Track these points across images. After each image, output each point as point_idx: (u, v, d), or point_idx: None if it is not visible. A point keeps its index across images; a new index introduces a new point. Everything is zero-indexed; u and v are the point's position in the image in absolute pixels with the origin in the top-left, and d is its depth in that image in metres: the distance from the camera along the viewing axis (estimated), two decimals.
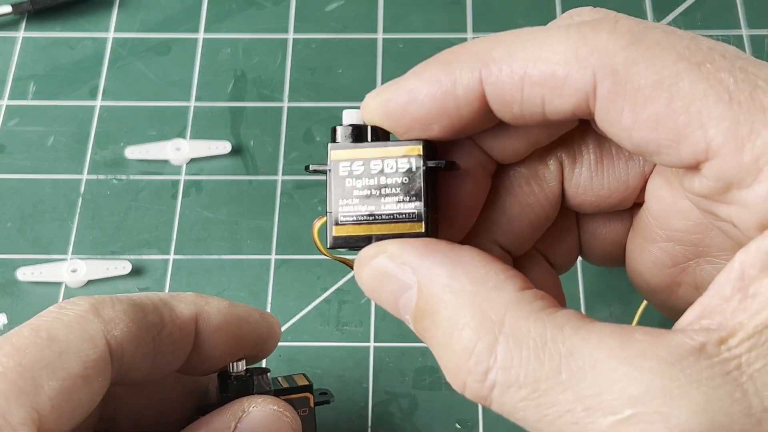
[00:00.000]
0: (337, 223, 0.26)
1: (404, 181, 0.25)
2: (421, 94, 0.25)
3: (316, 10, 0.50)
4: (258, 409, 0.29)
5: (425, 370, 0.39)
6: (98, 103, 0.47)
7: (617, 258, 0.31)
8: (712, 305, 0.22)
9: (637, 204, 0.29)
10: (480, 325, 0.22)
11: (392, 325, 0.40)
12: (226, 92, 0.47)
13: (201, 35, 0.49)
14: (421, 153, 0.25)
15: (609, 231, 0.30)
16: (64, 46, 0.49)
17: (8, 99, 0.47)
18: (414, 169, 0.25)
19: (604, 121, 0.23)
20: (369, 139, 0.26)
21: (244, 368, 0.30)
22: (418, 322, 0.24)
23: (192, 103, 0.47)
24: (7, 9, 0.49)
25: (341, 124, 0.26)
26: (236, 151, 0.45)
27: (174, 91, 0.47)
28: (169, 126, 0.46)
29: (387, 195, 0.26)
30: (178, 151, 0.45)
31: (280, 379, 0.32)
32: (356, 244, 0.26)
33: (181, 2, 0.50)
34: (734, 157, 0.21)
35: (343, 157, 0.26)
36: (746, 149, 0.21)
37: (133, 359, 0.27)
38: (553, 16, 0.48)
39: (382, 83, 0.47)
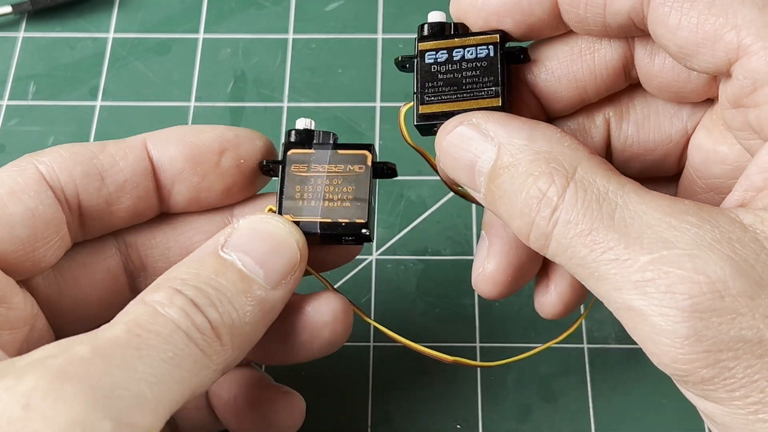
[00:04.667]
0: (423, 102, 0.30)
1: (483, 65, 0.29)
2: None
3: (316, 10, 0.50)
4: (246, 220, 0.30)
5: (425, 370, 0.39)
6: (98, 103, 0.47)
7: None
8: (747, 197, 0.26)
9: (677, 175, 0.32)
10: (554, 172, 0.26)
11: (392, 325, 0.40)
12: (226, 92, 0.47)
13: (201, 35, 0.49)
14: (498, 40, 0.29)
15: None
16: (64, 46, 0.49)
17: (8, 99, 0.47)
18: (492, 54, 0.29)
19: (653, 22, 0.26)
20: (452, 33, 0.30)
21: (312, 126, 0.32)
22: (493, 180, 0.27)
23: (192, 103, 0.47)
24: (7, 9, 0.49)
25: (427, 22, 0.30)
26: None
27: (174, 91, 0.47)
28: (169, 126, 0.46)
29: (467, 77, 0.29)
30: None
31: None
32: (440, 118, 0.29)
33: (181, 2, 0.50)
34: (760, 56, 0.24)
35: (428, 47, 0.30)
36: None
37: (73, 180, 0.30)
38: None
39: (382, 84, 0.48)
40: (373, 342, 0.40)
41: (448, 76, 0.30)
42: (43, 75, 0.48)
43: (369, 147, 0.31)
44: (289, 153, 0.31)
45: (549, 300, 0.34)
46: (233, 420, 0.33)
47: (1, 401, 0.22)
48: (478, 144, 0.28)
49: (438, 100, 0.29)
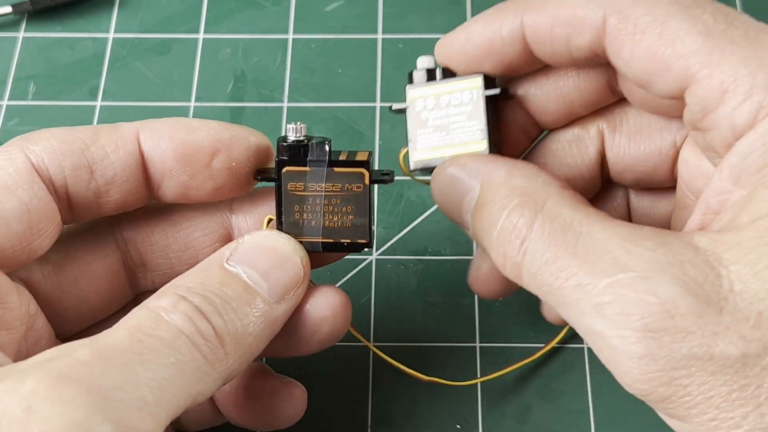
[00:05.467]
0: (416, 150, 0.32)
1: (468, 109, 0.31)
2: (475, 35, 0.30)
3: (316, 10, 0.50)
4: (251, 236, 0.30)
5: (425, 371, 0.39)
6: (98, 103, 0.47)
7: None
8: (706, 219, 0.27)
9: (674, 186, 0.32)
10: (524, 205, 0.27)
11: (392, 325, 0.40)
12: (226, 92, 0.47)
13: (201, 35, 0.49)
14: (480, 84, 0.31)
15: (658, 210, 0.35)
16: (64, 46, 0.49)
17: (8, 99, 0.47)
18: (475, 98, 0.31)
19: (611, 54, 0.28)
20: (438, 77, 0.32)
21: (304, 134, 0.31)
22: (476, 215, 0.28)
23: (192, 104, 0.47)
24: (7, 9, 0.49)
25: (416, 68, 0.32)
26: None
27: (174, 91, 0.47)
28: None
29: (455, 122, 0.31)
30: None
31: (342, 152, 0.31)
32: (433, 163, 0.31)
33: (181, 2, 0.50)
34: (706, 83, 0.25)
35: (417, 95, 0.32)
36: (714, 75, 0.25)
37: (62, 171, 0.29)
38: None
39: (382, 84, 0.48)
40: (373, 342, 0.40)
41: (438, 122, 0.31)
42: (43, 75, 0.48)
43: (366, 164, 0.31)
44: (284, 171, 0.31)
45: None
46: (235, 411, 0.33)
47: (1, 403, 0.22)
48: (464, 184, 0.29)
49: (430, 145, 0.31)
